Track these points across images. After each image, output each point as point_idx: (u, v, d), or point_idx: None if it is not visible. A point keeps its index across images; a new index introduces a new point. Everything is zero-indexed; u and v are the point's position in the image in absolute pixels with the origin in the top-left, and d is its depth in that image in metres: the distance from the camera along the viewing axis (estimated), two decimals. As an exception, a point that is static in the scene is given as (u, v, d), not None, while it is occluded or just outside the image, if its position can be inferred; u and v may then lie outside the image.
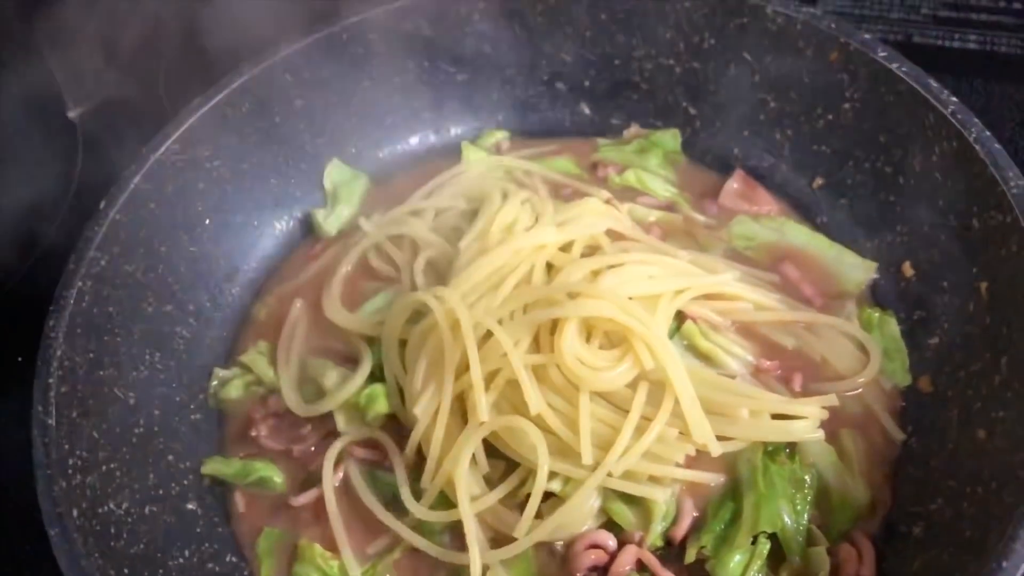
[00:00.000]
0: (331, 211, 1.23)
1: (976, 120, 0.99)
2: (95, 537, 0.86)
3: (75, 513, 0.85)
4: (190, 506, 0.99)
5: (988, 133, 0.98)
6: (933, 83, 1.03)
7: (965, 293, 0.98)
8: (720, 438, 0.92)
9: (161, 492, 0.97)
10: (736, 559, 0.88)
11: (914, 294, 1.05)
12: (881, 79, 1.07)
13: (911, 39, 1.42)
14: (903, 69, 1.05)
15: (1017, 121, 1.31)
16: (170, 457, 1.00)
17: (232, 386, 1.08)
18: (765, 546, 0.89)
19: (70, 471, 0.88)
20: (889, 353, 1.03)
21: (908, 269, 1.07)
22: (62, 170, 1.39)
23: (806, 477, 0.93)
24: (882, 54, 1.06)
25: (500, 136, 1.30)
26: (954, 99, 1.01)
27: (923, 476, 0.93)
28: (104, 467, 0.92)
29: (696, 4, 1.17)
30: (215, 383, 1.09)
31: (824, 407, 0.96)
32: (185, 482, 1.00)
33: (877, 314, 1.06)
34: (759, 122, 1.20)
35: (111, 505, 0.90)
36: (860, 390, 1.01)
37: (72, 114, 1.47)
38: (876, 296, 1.09)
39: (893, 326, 1.05)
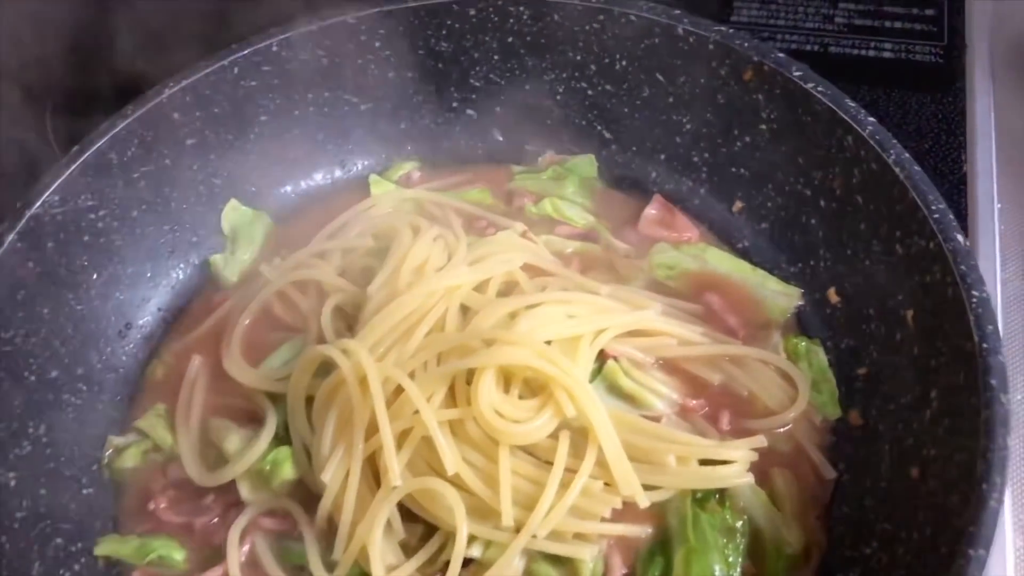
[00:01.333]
0: (231, 256, 1.15)
1: (895, 142, 0.96)
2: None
3: (-58, 624, 0.78)
4: (82, 594, 0.91)
5: (907, 155, 0.94)
6: (850, 103, 0.99)
7: (891, 321, 0.94)
8: (647, 487, 0.88)
9: (49, 582, 0.89)
10: (668, 620, 0.84)
11: (841, 322, 1.02)
12: (797, 99, 1.03)
13: (827, 49, 1.40)
14: (819, 89, 1.01)
15: (936, 131, 1.29)
16: (58, 540, 0.92)
17: (128, 455, 1.00)
18: (698, 604, 0.85)
19: (-62, 573, 0.80)
20: (817, 384, 0.99)
21: (833, 295, 1.03)
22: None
23: (737, 524, 0.89)
24: (797, 73, 1.03)
25: (410, 167, 1.24)
26: (872, 119, 0.98)
27: (858, 517, 0.89)
28: (-21, 563, 0.84)
29: (606, 25, 1.11)
30: (109, 452, 1.01)
31: (754, 448, 0.92)
32: (76, 567, 0.92)
33: (803, 343, 1.02)
34: (675, 145, 1.15)
35: (-12, 606, 0.83)
36: (790, 426, 0.97)
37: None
38: (802, 324, 1.05)
39: (821, 356, 1.01)
